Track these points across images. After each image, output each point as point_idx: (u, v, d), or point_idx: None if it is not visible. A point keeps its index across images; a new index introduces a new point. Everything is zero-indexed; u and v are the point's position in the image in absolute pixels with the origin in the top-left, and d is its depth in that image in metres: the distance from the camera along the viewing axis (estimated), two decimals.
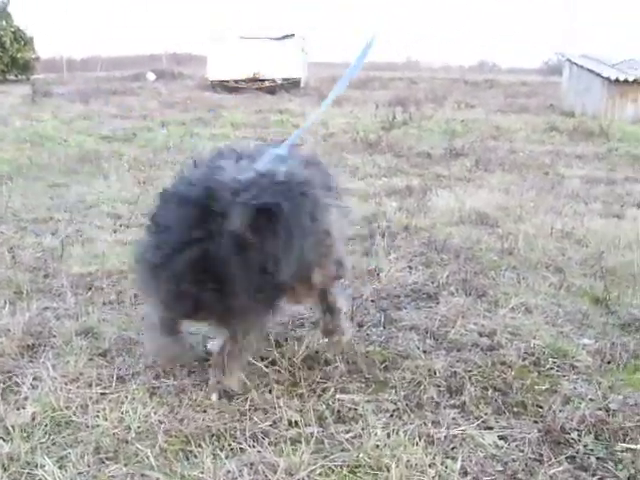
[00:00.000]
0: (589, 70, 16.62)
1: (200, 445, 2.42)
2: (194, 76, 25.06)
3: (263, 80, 19.60)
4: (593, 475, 2.38)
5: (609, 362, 3.19)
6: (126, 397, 2.73)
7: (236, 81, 20.11)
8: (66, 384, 2.81)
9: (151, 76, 26.27)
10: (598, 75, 16.15)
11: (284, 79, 19.44)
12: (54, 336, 3.27)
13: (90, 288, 3.91)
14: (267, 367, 2.99)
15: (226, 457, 2.36)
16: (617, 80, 15.77)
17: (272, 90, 19.12)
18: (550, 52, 43.05)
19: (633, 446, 2.54)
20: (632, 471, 2.39)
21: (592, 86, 16.53)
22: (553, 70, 32.29)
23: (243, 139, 9.96)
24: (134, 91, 19.69)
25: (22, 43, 27.59)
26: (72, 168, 7.72)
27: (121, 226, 5.29)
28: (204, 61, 21.93)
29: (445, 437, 2.52)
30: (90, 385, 2.82)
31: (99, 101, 16.35)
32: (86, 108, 14.54)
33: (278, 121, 11.98)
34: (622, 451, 2.51)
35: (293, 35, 21.22)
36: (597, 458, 2.47)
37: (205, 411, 2.66)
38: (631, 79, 15.65)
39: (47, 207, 5.86)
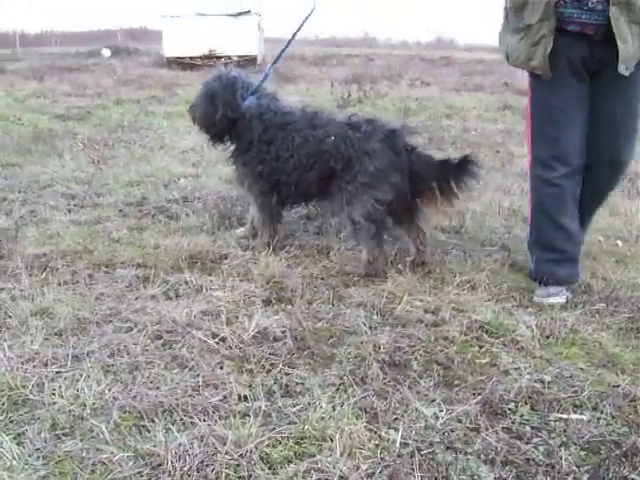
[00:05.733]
0: None
1: (153, 420, 2.51)
2: (150, 52, 24.77)
3: (219, 57, 19.45)
4: (527, 443, 2.50)
5: (548, 336, 3.32)
6: (81, 375, 2.78)
7: (192, 58, 19.96)
8: (22, 364, 2.86)
9: (106, 52, 25.94)
10: None
11: (240, 56, 19.33)
12: (10, 317, 3.31)
13: (45, 269, 3.94)
14: (218, 344, 3.08)
15: (178, 431, 2.44)
16: None
17: None
18: None
19: (565, 416, 2.67)
20: (564, 439, 2.52)
21: None
22: None
23: None
24: (89, 68, 19.44)
25: None
26: (26, 148, 7.66)
27: (75, 206, 5.31)
28: (159, 36, 21.68)
29: (388, 409, 2.64)
30: (46, 364, 2.87)
31: (53, 78, 16.14)
32: (40, 85, 14.36)
33: None
34: (555, 420, 2.64)
35: (249, 12, 21.07)
36: (532, 427, 2.59)
37: (158, 387, 2.73)
38: None
39: (0, 188, 5.85)
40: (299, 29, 4.67)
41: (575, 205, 3.83)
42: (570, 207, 3.79)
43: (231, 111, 4.32)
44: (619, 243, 4.74)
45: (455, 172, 4.01)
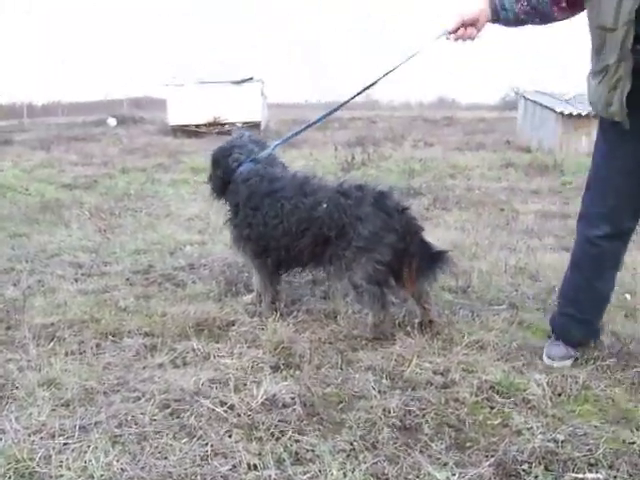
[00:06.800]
0: (543, 105, 16.97)
1: None
2: (155, 120, 25.15)
3: (223, 124, 19.75)
4: None
5: (560, 394, 3.28)
6: (89, 446, 2.75)
7: (196, 125, 20.26)
8: (29, 435, 2.84)
9: (112, 121, 26.34)
10: (552, 110, 16.50)
11: (244, 122, 19.58)
12: (17, 388, 3.29)
13: (52, 339, 3.93)
14: (226, 412, 3.05)
15: None
16: (571, 114, 16.14)
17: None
18: (507, 87, 43.72)
19: (581, 475, 2.63)
20: None
21: (546, 121, 16.89)
22: (510, 105, 32.81)
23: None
24: (95, 137, 19.72)
25: None
26: (33, 217, 7.75)
27: (82, 275, 5.32)
28: (164, 105, 22.03)
29: (399, 475, 2.60)
30: (53, 436, 2.85)
31: (60, 148, 16.36)
32: (47, 155, 14.56)
33: None
34: None
35: (252, 79, 21.44)
36: None
37: (167, 457, 2.70)
38: (584, 113, 15.98)
39: (8, 257, 5.87)
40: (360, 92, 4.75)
41: (614, 267, 3.71)
42: (607, 270, 3.67)
43: (222, 173, 4.55)
44: (628, 297, 4.70)
45: (427, 260, 4.08)
